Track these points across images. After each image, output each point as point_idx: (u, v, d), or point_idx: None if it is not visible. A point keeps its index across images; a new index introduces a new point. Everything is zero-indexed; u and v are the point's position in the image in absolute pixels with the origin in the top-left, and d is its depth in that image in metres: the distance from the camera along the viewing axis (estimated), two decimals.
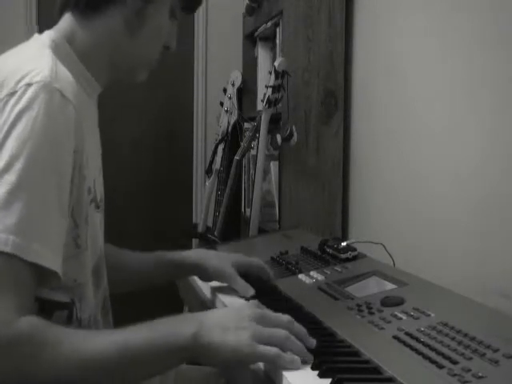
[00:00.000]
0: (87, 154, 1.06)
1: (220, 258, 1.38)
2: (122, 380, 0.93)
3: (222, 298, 1.30)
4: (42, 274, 0.91)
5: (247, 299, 1.26)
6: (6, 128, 0.92)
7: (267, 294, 1.27)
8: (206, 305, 1.37)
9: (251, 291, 1.27)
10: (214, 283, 1.40)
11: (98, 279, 1.16)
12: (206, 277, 1.39)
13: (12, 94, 0.95)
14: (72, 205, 1.01)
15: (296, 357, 0.90)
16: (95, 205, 1.12)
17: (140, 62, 1.18)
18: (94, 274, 1.13)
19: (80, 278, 1.07)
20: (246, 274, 1.34)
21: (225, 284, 1.37)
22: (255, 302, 1.01)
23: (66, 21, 1.13)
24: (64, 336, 0.89)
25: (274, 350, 0.89)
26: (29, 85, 0.95)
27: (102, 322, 1.17)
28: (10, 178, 0.90)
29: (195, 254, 1.42)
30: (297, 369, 0.89)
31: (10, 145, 0.91)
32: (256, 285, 1.30)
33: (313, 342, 0.95)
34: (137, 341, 0.90)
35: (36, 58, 1.03)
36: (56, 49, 1.08)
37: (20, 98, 0.94)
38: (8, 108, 0.93)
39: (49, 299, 1.00)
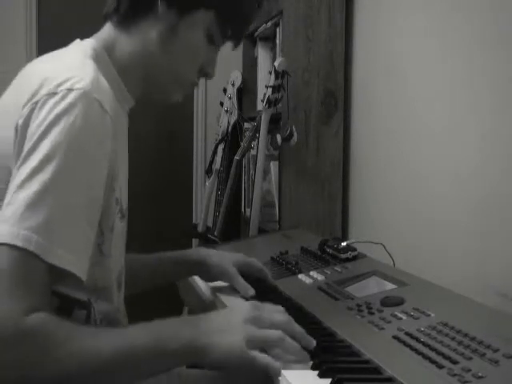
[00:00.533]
0: (118, 166, 1.07)
1: (221, 256, 1.39)
2: (124, 380, 0.93)
3: (223, 298, 1.30)
4: (60, 273, 0.92)
5: (247, 299, 1.26)
6: (42, 128, 0.93)
7: (267, 294, 1.27)
8: (206, 304, 1.37)
9: (251, 291, 1.27)
10: (214, 283, 1.40)
11: (120, 285, 1.18)
12: (208, 275, 1.39)
13: (52, 94, 0.95)
14: (100, 215, 1.01)
15: (291, 357, 0.91)
16: (121, 215, 1.13)
17: (173, 80, 1.18)
18: (117, 280, 1.14)
19: (101, 283, 1.08)
20: (246, 274, 1.34)
21: (225, 284, 1.37)
22: (253, 302, 1.01)
23: (107, 30, 1.15)
24: (69, 334, 0.89)
25: (266, 358, 0.89)
26: (70, 90, 0.95)
27: (122, 324, 1.18)
28: (41, 178, 0.90)
29: (197, 252, 1.43)
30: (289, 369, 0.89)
31: (45, 146, 0.92)
32: (255, 285, 1.31)
33: (312, 341, 0.95)
34: (137, 345, 0.91)
35: (79, 66, 1.04)
36: (97, 59, 1.09)
37: (60, 101, 0.94)
38: (46, 108, 0.94)
39: (68, 295, 1.01)
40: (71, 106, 0.94)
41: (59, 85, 0.96)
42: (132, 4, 1.12)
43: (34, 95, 0.96)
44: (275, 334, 0.93)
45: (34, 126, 0.93)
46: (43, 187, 0.90)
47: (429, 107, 1.79)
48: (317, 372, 0.87)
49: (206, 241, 2.59)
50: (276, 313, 0.99)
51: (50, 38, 3.00)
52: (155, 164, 3.33)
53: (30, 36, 3.13)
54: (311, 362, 0.91)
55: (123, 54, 1.13)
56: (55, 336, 0.87)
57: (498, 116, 1.49)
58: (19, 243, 0.87)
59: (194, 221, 3.26)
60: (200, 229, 2.87)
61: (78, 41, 1.15)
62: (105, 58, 1.12)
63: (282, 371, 0.88)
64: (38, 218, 0.89)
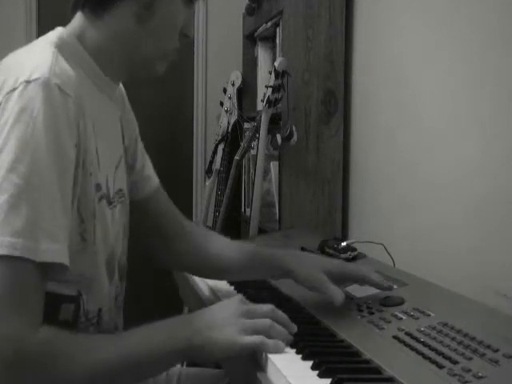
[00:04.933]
0: (95, 150, 1.06)
1: (312, 263, 1.26)
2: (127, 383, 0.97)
3: (222, 297, 1.31)
4: (50, 270, 0.92)
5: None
6: (7, 128, 0.92)
7: (268, 295, 1.28)
8: (206, 304, 1.37)
9: (342, 297, 1.14)
10: (214, 283, 1.40)
11: (111, 272, 1.16)
12: (297, 281, 1.27)
13: (12, 90, 0.94)
14: (77, 200, 1.01)
15: (280, 342, 0.95)
16: (107, 201, 1.11)
17: (157, 54, 1.16)
18: (107, 267, 1.13)
19: (87, 271, 1.07)
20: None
21: (224, 283, 1.39)
22: (240, 296, 1.04)
23: (78, 20, 1.12)
24: (74, 347, 0.92)
25: (258, 338, 0.94)
26: (28, 82, 0.95)
27: (115, 313, 1.18)
28: (15, 180, 0.89)
29: (290, 257, 1.30)
30: (281, 352, 0.94)
31: (13, 146, 0.91)
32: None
33: (294, 327, 1.00)
34: (137, 352, 0.94)
35: (36, 55, 1.02)
36: (62, 45, 1.07)
37: (20, 96, 0.94)
38: (9, 106, 0.93)
39: (56, 293, 1.01)
40: (31, 99, 0.93)
41: (17, 79, 0.95)
42: None
43: None
44: (265, 321, 0.97)
45: None
46: (18, 188, 0.89)
47: (429, 107, 1.79)
48: (317, 372, 0.87)
49: None
50: (261, 304, 1.03)
51: None
52: (155, 164, 3.30)
53: (30, 35, 3.13)
54: (311, 362, 0.90)
55: (97, 40, 1.10)
56: (64, 350, 0.90)
57: (498, 117, 1.49)
58: (5, 252, 0.86)
59: (193, 221, 3.26)
60: None
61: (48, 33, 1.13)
62: (74, 44, 1.09)
63: (282, 372, 0.88)
64: (19, 221, 0.88)
